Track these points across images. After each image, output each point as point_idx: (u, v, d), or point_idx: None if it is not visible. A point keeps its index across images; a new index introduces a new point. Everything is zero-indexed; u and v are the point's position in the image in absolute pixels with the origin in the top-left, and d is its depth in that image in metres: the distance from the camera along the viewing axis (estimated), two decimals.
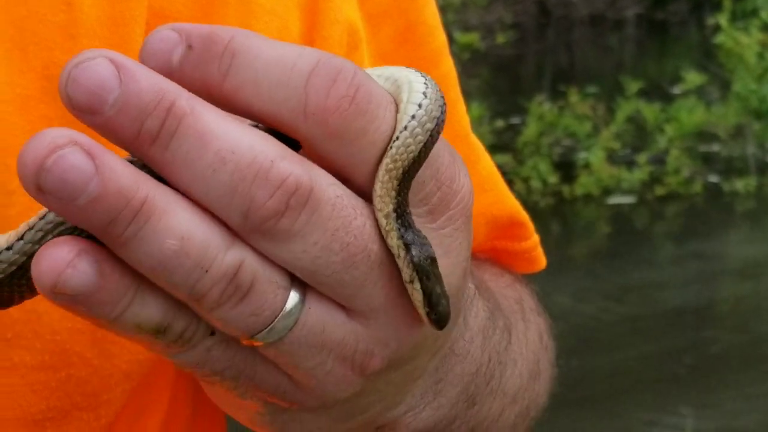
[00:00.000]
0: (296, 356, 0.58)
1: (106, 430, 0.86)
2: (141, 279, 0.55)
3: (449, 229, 0.63)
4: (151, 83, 0.52)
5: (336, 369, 0.60)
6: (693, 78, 10.65)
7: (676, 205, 9.29)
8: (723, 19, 10.58)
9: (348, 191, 0.58)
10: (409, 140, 0.58)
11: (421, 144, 0.59)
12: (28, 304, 0.63)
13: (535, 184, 9.55)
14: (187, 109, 0.53)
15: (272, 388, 0.61)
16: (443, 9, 9.65)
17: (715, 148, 10.39)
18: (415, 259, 0.59)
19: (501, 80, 14.87)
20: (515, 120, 11.06)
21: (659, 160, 9.59)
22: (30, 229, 0.57)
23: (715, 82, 11.20)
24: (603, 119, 10.48)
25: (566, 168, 9.78)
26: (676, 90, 11.42)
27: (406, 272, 0.59)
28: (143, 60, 0.55)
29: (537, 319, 1.05)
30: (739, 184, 9.63)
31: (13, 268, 0.57)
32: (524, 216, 1.06)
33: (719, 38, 10.64)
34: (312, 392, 0.61)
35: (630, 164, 9.75)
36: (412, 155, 0.58)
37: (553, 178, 9.27)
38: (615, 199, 9.57)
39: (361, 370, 0.61)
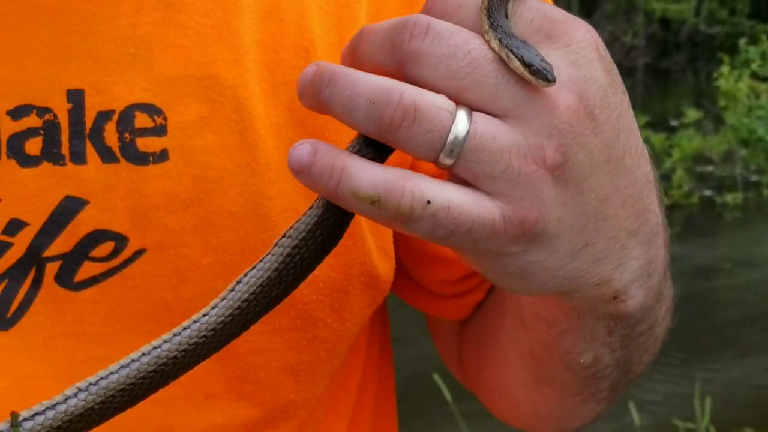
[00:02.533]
0: (484, 165, 0.58)
1: (329, 381, 0.90)
2: (345, 159, 0.60)
3: (574, 47, 0.61)
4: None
5: (523, 167, 0.59)
6: (692, 114, 10.96)
7: (678, 213, 9.33)
8: (725, 69, 10.98)
9: (462, 28, 0.61)
10: None
11: None
12: None
13: None
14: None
15: (496, 218, 0.59)
16: None
17: (710, 169, 10.55)
18: (499, 37, 0.59)
19: None
20: None
21: (665, 178, 9.67)
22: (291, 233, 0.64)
23: (709, 117, 11.41)
24: None
25: None
26: (677, 123, 11.64)
27: (501, 51, 0.59)
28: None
29: None
30: (729, 198, 9.92)
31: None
32: None
33: (721, 82, 10.95)
34: (521, 201, 0.59)
35: None
36: None
37: None
38: None
39: (543, 162, 0.59)
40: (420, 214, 0.57)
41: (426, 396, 4.72)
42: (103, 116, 0.74)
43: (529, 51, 0.58)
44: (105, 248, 0.75)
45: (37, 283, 0.75)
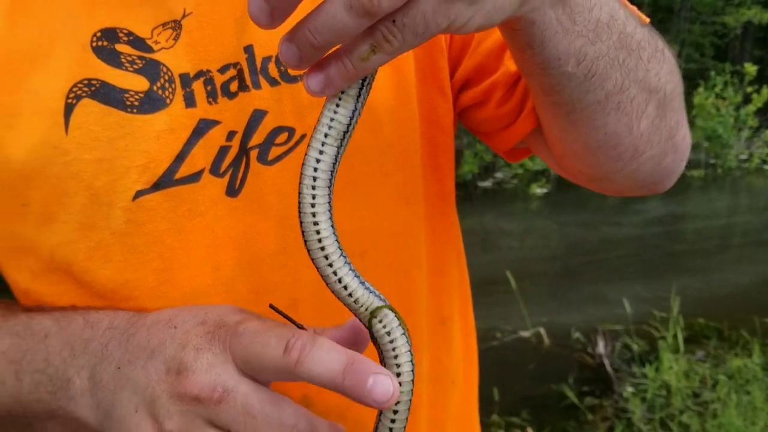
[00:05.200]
0: None
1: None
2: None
3: None
4: None
5: None
6: None
7: None
8: (700, 90, 11.16)
9: None
10: None
11: None
12: None
13: None
14: None
15: None
16: None
17: None
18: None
19: None
20: None
21: None
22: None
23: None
24: None
25: None
26: None
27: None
28: None
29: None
30: (695, 173, 10.17)
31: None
32: None
33: (696, 99, 10.92)
34: None
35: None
36: None
37: None
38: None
39: None
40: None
41: (497, 284, 5.24)
42: (267, 59, 0.79)
43: None
44: (282, 137, 0.80)
45: (247, 165, 0.79)
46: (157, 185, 0.77)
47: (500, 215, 7.94)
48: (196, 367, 0.60)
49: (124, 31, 0.77)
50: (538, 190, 9.49)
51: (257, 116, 0.79)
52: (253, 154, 0.79)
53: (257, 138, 0.79)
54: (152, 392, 0.61)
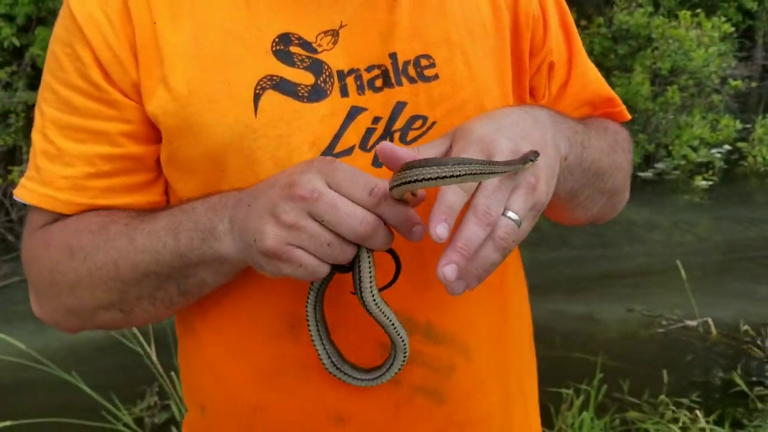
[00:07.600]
0: (536, 196, 0.80)
1: None
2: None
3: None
4: None
5: (529, 180, 0.79)
6: None
7: None
8: None
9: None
10: None
11: None
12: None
13: None
14: None
15: (531, 182, 0.79)
16: None
17: None
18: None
19: None
20: None
21: None
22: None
23: None
24: None
25: None
26: None
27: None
28: None
29: (617, 131, 1.10)
30: None
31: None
32: (615, 95, 1.12)
33: None
34: (536, 178, 0.80)
35: None
36: None
37: None
38: None
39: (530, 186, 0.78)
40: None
41: (664, 273, 5.32)
42: (406, 63, 0.94)
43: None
44: (418, 123, 0.94)
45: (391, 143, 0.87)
46: None
47: (655, 207, 7.69)
48: (300, 180, 0.77)
49: (296, 36, 0.92)
50: (702, 182, 9.10)
51: (399, 107, 0.92)
52: (396, 135, 0.92)
53: (399, 123, 0.92)
54: (272, 201, 0.78)
